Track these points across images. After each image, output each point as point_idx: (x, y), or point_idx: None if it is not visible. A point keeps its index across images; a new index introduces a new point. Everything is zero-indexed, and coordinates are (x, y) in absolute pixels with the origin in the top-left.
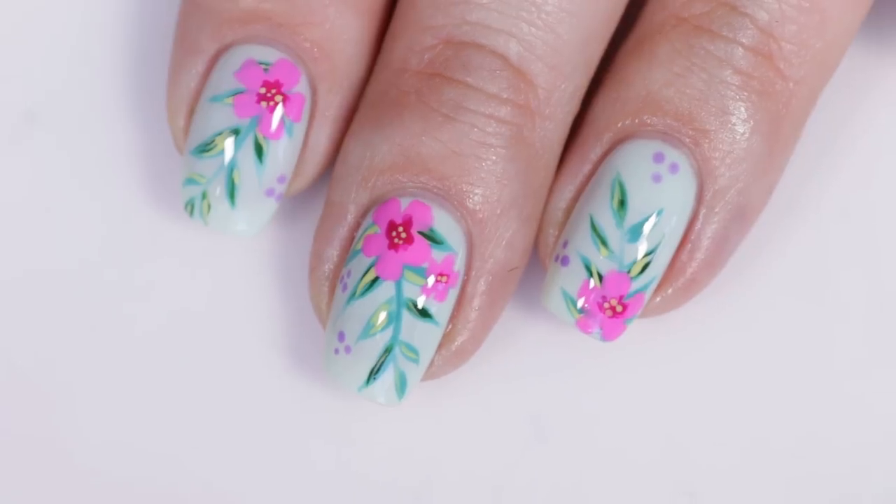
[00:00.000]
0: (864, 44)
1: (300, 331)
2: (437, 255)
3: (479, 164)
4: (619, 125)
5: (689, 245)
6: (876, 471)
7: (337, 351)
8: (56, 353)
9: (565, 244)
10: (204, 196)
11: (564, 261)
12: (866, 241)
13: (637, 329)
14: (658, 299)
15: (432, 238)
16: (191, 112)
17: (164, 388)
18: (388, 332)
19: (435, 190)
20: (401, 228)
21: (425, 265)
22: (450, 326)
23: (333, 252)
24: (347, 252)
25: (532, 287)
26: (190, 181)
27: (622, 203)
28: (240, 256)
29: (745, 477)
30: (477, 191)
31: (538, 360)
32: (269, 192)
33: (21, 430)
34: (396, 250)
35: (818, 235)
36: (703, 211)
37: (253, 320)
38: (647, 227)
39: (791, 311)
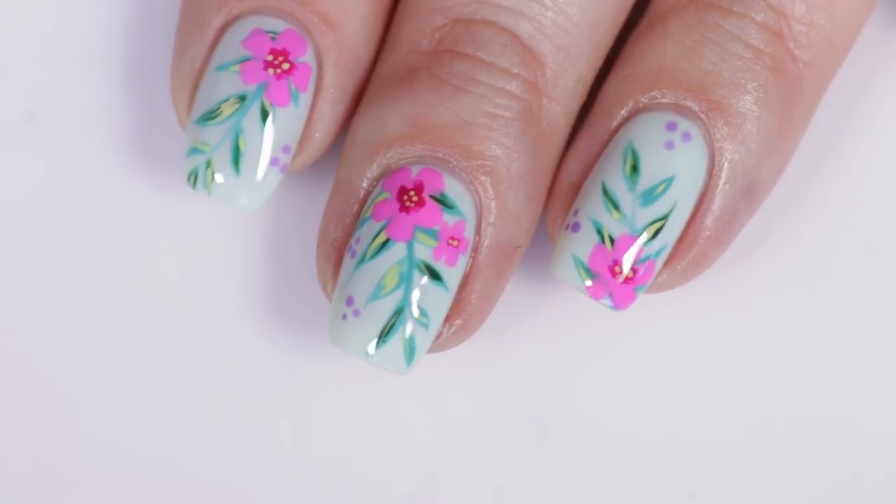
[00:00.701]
0: (867, 39)
1: (302, 327)
2: (449, 218)
3: (490, 134)
4: (632, 101)
5: (700, 218)
6: (877, 470)
7: (345, 316)
8: (57, 353)
9: (576, 212)
10: (208, 164)
11: (575, 227)
12: (869, 236)
13: (637, 328)
14: (667, 273)
15: (443, 202)
16: (195, 87)
17: (164, 380)
18: (399, 294)
19: (446, 157)
20: (412, 192)
21: (437, 227)
22: (457, 298)
23: (341, 225)
24: (355, 224)
25: (532, 287)
26: (194, 150)
27: (635, 168)
28: (245, 245)
29: (747, 477)
30: (487, 160)
31: (539, 360)
32: (274, 162)
33: (28, 421)
34: (408, 213)
35: (820, 231)
36: (713, 185)
37: (255, 308)
38: (659, 192)
39: (794, 311)
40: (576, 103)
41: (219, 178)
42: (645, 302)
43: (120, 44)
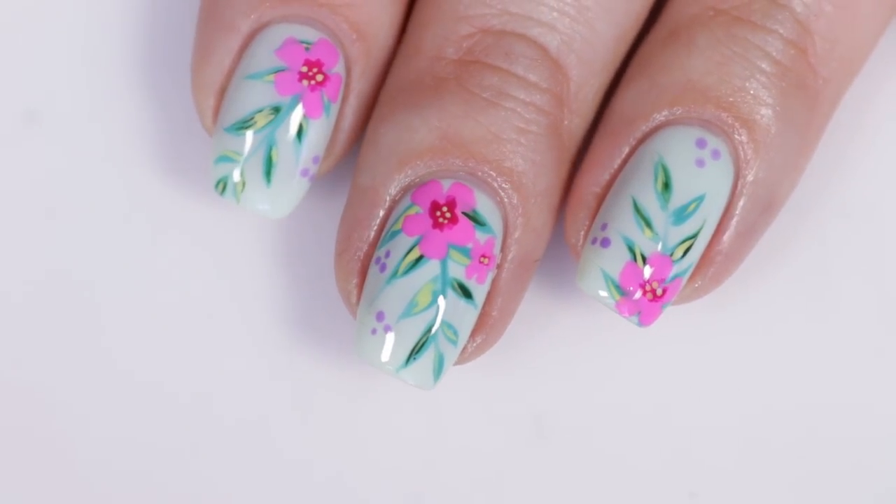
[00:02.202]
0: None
1: (303, 330)
2: (481, 236)
3: (519, 150)
4: (658, 113)
5: (723, 235)
6: (877, 471)
7: (374, 331)
8: (58, 352)
9: (604, 227)
10: (240, 174)
11: (605, 242)
12: (870, 240)
13: (637, 328)
14: (688, 289)
15: (476, 219)
16: (222, 91)
17: (176, 375)
18: (432, 311)
19: (477, 173)
20: (445, 208)
21: (470, 245)
22: (483, 312)
23: (365, 235)
24: (380, 235)
25: (532, 287)
26: (224, 158)
27: (666, 185)
28: (255, 247)
29: (747, 477)
30: (517, 177)
31: (540, 360)
32: (304, 173)
33: (27, 421)
34: (441, 229)
35: (820, 235)
36: (736, 201)
37: (261, 313)
38: (691, 211)
39: (794, 312)
40: (593, 113)
41: (249, 187)
42: None
43: (121, 43)
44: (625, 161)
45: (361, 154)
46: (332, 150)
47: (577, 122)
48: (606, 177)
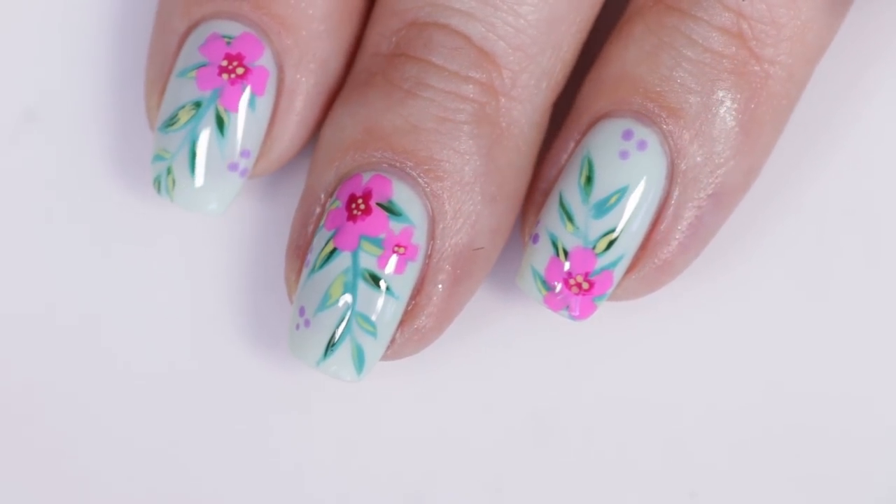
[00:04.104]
0: (863, 39)
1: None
2: (395, 226)
3: (439, 139)
4: (596, 106)
5: (662, 225)
6: (877, 470)
7: (298, 326)
8: (57, 353)
9: (537, 223)
10: (169, 171)
11: (535, 239)
12: (870, 240)
13: (637, 328)
14: (630, 280)
15: (391, 209)
16: (162, 92)
17: (159, 384)
18: (344, 303)
19: (396, 164)
20: (360, 200)
21: (382, 236)
22: (412, 304)
23: (304, 232)
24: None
25: None
26: (157, 157)
27: (589, 179)
28: (243, 248)
29: (747, 476)
30: (436, 165)
31: (538, 359)
32: (233, 167)
33: (14, 427)
34: (354, 221)
35: (817, 230)
36: (674, 191)
37: (253, 316)
38: (611, 203)
39: (794, 311)
40: (544, 100)
41: (178, 184)
42: (644, 302)
43: (120, 43)
44: (569, 157)
45: (312, 155)
46: (271, 147)
47: (519, 109)
48: (554, 172)
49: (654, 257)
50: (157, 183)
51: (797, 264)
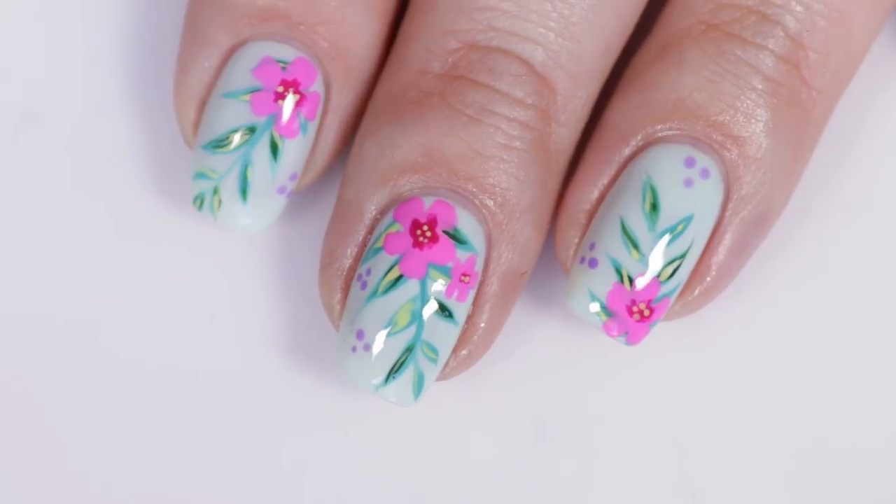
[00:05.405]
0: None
1: (302, 331)
2: (462, 255)
3: (502, 166)
4: (649, 129)
5: (714, 250)
6: (877, 473)
7: (355, 349)
8: (57, 353)
9: (592, 246)
10: (215, 192)
11: (592, 263)
12: (870, 240)
13: None
14: (679, 304)
15: (456, 238)
16: (202, 105)
17: (165, 388)
18: (411, 331)
19: (459, 190)
20: (426, 227)
21: (450, 265)
22: (465, 327)
23: (348, 250)
24: (363, 250)
25: (532, 287)
26: (201, 175)
27: (654, 206)
28: (244, 253)
29: (748, 478)
30: (499, 192)
31: (540, 361)
32: (281, 190)
33: (19, 428)
34: (421, 248)
35: (822, 237)
36: (727, 217)
37: (255, 319)
38: (679, 232)
39: (795, 313)
40: (583, 123)
41: (225, 205)
42: None
43: (121, 43)
44: (615, 177)
45: (347, 167)
46: (311, 166)
47: (564, 133)
48: (596, 193)
49: (702, 282)
50: (200, 200)
51: (797, 266)
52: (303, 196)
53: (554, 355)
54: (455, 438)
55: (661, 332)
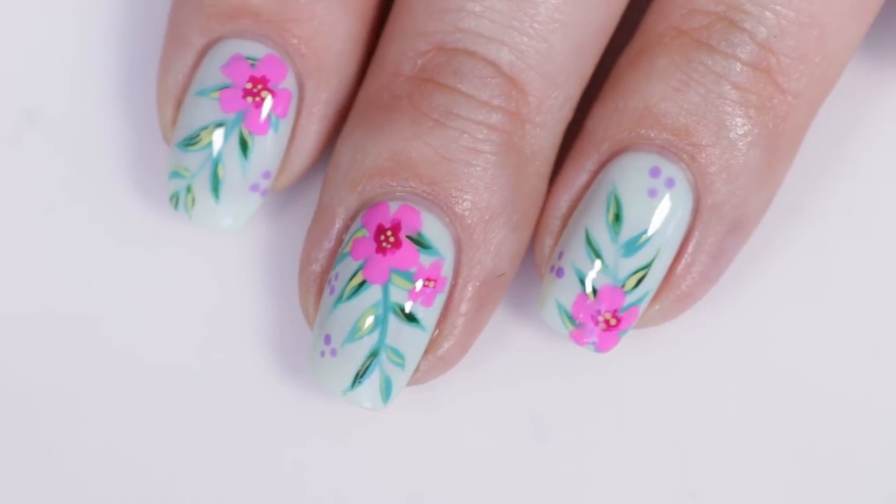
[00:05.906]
0: (865, 48)
1: (303, 331)
2: (425, 259)
3: (468, 170)
4: (617, 137)
5: (685, 259)
6: (877, 472)
7: (322, 354)
8: (56, 354)
9: (560, 255)
10: (189, 190)
11: (559, 272)
12: (870, 240)
13: (636, 330)
14: (652, 311)
15: (420, 243)
16: (178, 104)
17: (165, 388)
18: (375, 336)
19: (424, 195)
20: (389, 232)
21: (413, 270)
22: (436, 332)
23: (321, 254)
24: (335, 254)
25: (532, 287)
26: (175, 174)
27: (617, 217)
28: (236, 255)
29: (747, 477)
30: (466, 196)
31: (538, 361)
32: (254, 188)
33: (17, 428)
34: (384, 254)
35: (817, 238)
36: (699, 225)
37: (255, 319)
38: (641, 242)
39: (791, 313)
40: (563, 124)
41: (198, 203)
42: None
43: (121, 44)
44: (587, 184)
45: (326, 171)
46: (289, 165)
47: (542, 135)
48: (569, 199)
49: (676, 289)
50: (175, 199)
51: (797, 266)
52: (303, 196)
53: (553, 355)
54: (454, 438)
55: (661, 332)
